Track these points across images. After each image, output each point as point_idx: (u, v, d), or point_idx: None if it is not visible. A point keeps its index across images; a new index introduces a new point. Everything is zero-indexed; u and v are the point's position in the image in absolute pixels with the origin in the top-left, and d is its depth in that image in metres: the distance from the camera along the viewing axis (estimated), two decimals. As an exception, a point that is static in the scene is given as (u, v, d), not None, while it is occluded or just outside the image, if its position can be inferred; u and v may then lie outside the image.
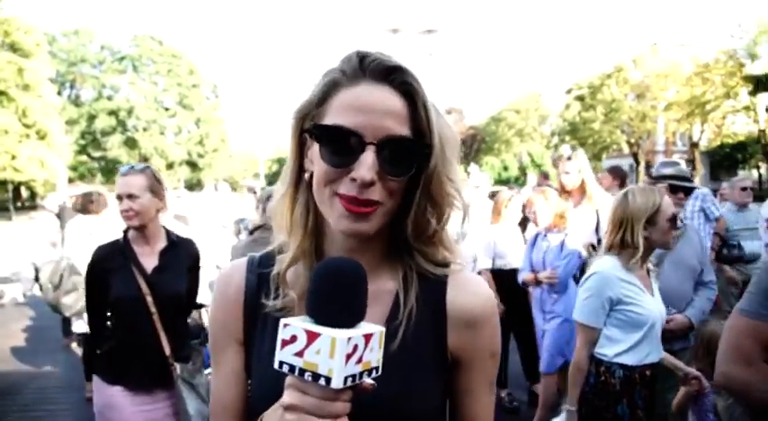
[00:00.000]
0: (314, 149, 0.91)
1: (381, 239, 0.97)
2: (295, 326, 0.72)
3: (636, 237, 2.55)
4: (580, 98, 44.32)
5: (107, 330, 2.71)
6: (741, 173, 30.14)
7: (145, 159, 49.16)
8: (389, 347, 0.90)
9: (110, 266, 2.63)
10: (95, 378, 2.71)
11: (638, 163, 39.75)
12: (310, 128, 0.92)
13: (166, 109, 51.29)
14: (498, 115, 56.63)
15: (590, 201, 4.35)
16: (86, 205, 5.04)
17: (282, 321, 0.73)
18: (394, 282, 0.99)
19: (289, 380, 0.74)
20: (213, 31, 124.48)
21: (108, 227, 5.06)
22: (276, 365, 0.73)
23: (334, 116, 0.88)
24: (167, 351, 2.60)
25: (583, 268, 3.64)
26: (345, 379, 0.70)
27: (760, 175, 38.43)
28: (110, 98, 49.42)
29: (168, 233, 2.80)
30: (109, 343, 2.67)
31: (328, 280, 0.75)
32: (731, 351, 1.58)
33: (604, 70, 41.58)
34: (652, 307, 2.55)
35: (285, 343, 0.72)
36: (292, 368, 0.72)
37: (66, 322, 6.64)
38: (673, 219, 2.61)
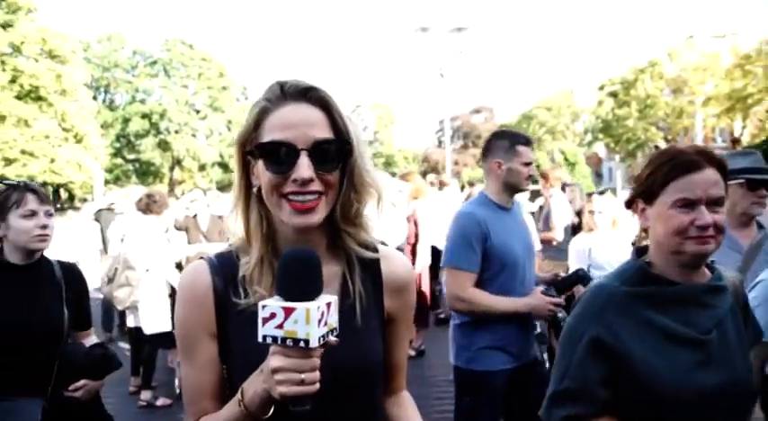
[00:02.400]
0: (258, 166, 1.11)
1: (323, 233, 1.18)
2: (272, 305, 0.93)
3: None
4: (613, 94, 43.45)
5: None
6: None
7: (178, 161, 50.08)
8: (348, 320, 1.11)
9: None
10: None
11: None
12: (252, 149, 1.11)
13: (197, 111, 52.03)
14: (529, 113, 56.02)
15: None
16: (150, 205, 5.07)
17: (260, 303, 0.94)
18: (339, 266, 1.21)
19: (273, 348, 0.94)
20: (242, 33, 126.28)
21: (166, 227, 5.08)
22: (260, 339, 0.93)
23: (269, 135, 1.09)
24: None
25: None
26: (319, 338, 0.92)
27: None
28: (143, 102, 50.40)
29: None
30: None
31: (293, 265, 0.97)
32: None
33: (638, 65, 40.66)
34: None
35: (265, 320, 0.93)
36: (275, 339, 0.92)
37: (108, 317, 6.69)
38: None
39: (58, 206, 40.24)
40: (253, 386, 1.01)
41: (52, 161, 34.24)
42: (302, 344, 0.91)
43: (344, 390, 1.13)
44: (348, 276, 1.21)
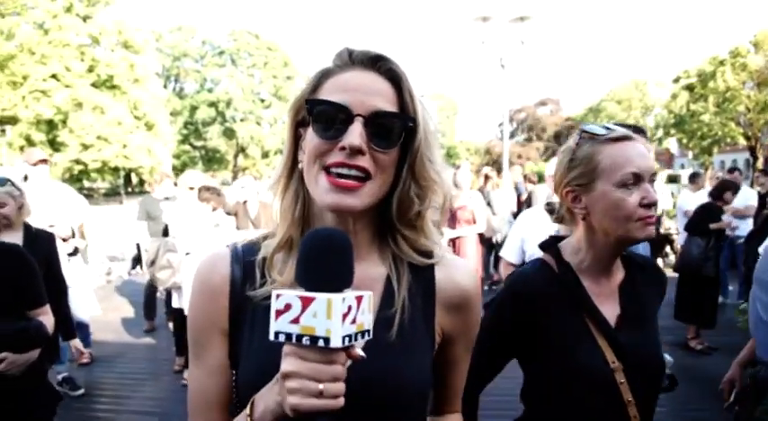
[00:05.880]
0: (307, 134, 0.95)
1: (369, 224, 1.00)
2: (288, 294, 0.74)
3: None
4: (689, 87, 41.22)
5: None
6: None
7: (242, 149, 51.55)
8: (386, 333, 0.96)
9: None
10: None
11: (755, 158, 36.39)
12: (304, 106, 0.96)
13: (262, 100, 53.39)
14: (597, 106, 54.14)
15: None
16: (209, 199, 5.20)
17: (275, 292, 0.75)
18: (383, 268, 1.03)
19: (286, 348, 0.75)
20: (307, 23, 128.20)
21: (214, 221, 5.19)
22: (272, 336, 0.74)
23: (326, 96, 0.94)
24: None
25: None
26: (343, 338, 0.72)
27: None
28: (210, 90, 52.19)
29: None
30: None
31: (317, 247, 0.77)
32: None
33: (718, 55, 38.30)
34: None
35: (279, 313, 0.74)
36: (289, 336, 0.73)
37: (149, 308, 6.91)
38: None
39: (129, 190, 42.33)
40: (265, 399, 0.83)
41: (124, 147, 36.09)
42: (321, 342, 0.72)
43: (373, 412, 0.93)
44: (394, 282, 1.01)
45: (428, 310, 1.04)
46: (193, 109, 50.68)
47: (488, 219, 7.34)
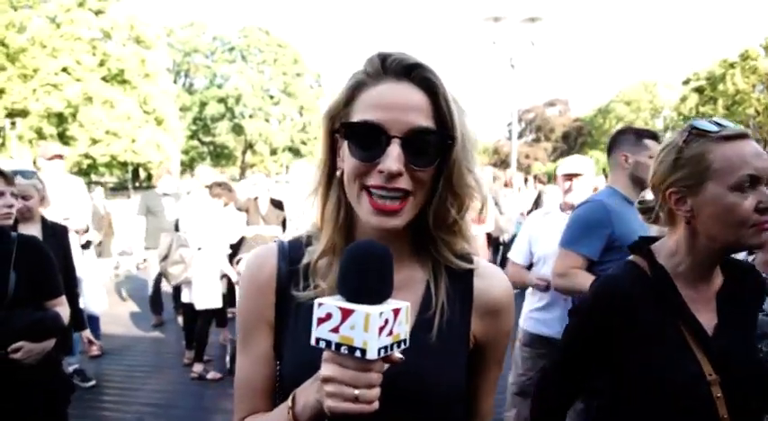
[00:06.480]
0: (344, 148, 0.96)
1: (407, 231, 1.00)
2: (329, 304, 0.79)
3: None
4: (699, 90, 41.06)
5: None
6: None
7: (250, 145, 51.69)
8: (425, 335, 0.98)
9: None
10: None
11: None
12: (339, 126, 0.96)
13: (271, 97, 53.50)
14: (606, 107, 53.91)
15: None
16: (221, 194, 5.27)
17: (317, 301, 0.80)
18: (423, 272, 1.05)
19: (326, 354, 0.80)
20: (317, 21, 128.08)
21: (224, 215, 5.25)
22: (313, 342, 0.79)
23: (361, 114, 0.93)
24: None
25: None
26: (379, 350, 0.77)
27: None
28: (219, 86, 52.34)
29: None
30: None
31: (358, 261, 0.81)
32: None
33: (728, 58, 38.08)
34: None
35: (321, 321, 0.79)
36: (329, 343, 0.78)
37: (156, 302, 6.98)
38: None
39: (137, 184, 42.52)
40: (305, 394, 0.88)
41: (133, 141, 36.26)
42: (358, 353, 0.76)
43: (411, 412, 0.96)
44: (432, 286, 1.04)
45: (465, 316, 1.05)
46: (203, 104, 50.86)
47: (496, 219, 7.37)
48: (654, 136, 2.84)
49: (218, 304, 5.11)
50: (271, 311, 1.06)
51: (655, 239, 1.44)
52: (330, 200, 1.02)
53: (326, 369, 0.79)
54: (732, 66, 37.43)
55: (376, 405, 0.79)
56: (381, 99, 0.92)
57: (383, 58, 0.95)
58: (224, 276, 5.23)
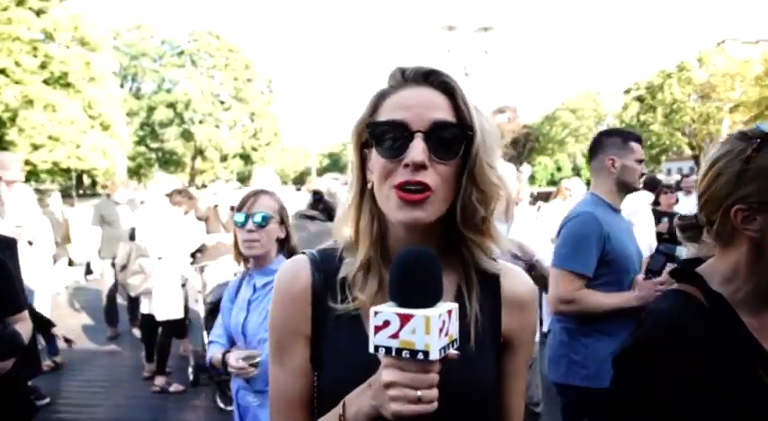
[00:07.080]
0: (373, 156, 1.00)
1: (438, 235, 1.03)
2: (386, 312, 0.82)
3: None
4: (639, 99, 42.85)
5: None
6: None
7: (200, 151, 50.58)
8: (463, 339, 0.96)
9: None
10: None
11: (699, 166, 38.11)
12: (365, 130, 1.01)
13: (222, 102, 52.54)
14: (553, 114, 55.52)
15: None
16: (181, 202, 5.18)
17: (372, 309, 0.83)
18: (454, 275, 1.07)
19: (386, 360, 0.83)
20: (268, 26, 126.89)
21: (184, 223, 5.16)
22: (371, 350, 0.83)
23: (385, 116, 0.99)
24: None
25: None
26: (440, 350, 0.80)
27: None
28: (168, 91, 51.03)
29: None
30: None
31: (409, 267, 0.84)
32: None
33: (666, 69, 39.99)
34: None
35: (378, 328, 0.82)
36: (389, 350, 0.81)
37: (111, 314, 6.78)
38: None
39: (81, 192, 40.92)
40: (358, 401, 0.91)
41: (77, 147, 34.77)
42: (421, 356, 0.80)
43: (456, 416, 0.98)
44: (465, 290, 1.06)
45: (496, 319, 1.09)
46: (151, 109, 49.44)
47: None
48: (638, 138, 2.75)
49: (180, 315, 5.03)
50: (307, 324, 1.07)
51: (697, 262, 1.25)
52: (363, 213, 1.05)
53: (388, 374, 0.82)
54: (669, 76, 39.28)
55: (436, 404, 0.83)
56: (404, 101, 0.98)
57: (402, 70, 1.03)
58: (183, 286, 5.15)
